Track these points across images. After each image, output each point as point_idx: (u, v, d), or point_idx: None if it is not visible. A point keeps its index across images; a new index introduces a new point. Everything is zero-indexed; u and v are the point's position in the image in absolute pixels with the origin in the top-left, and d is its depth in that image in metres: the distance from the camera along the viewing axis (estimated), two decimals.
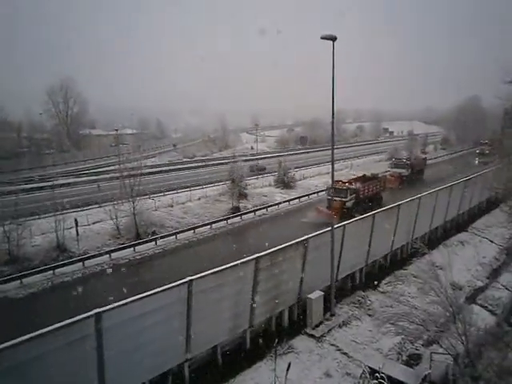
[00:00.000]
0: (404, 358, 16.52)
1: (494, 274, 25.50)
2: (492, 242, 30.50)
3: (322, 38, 16.82)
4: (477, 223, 34.52)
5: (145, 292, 12.20)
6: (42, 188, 45.79)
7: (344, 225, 20.27)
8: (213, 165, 68.04)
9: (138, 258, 27.15)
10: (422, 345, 16.91)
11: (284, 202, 41.12)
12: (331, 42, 16.91)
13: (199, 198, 41.91)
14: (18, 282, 22.88)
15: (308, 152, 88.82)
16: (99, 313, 11.10)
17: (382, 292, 21.87)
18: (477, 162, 64.17)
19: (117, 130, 63.82)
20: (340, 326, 18.34)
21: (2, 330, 11.84)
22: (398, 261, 25.55)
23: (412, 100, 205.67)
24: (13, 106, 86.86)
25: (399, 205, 24.72)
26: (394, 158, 59.27)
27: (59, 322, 10.49)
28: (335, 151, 19.90)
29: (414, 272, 22.86)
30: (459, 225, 33.20)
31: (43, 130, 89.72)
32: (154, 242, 29.32)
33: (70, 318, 10.69)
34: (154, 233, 31.06)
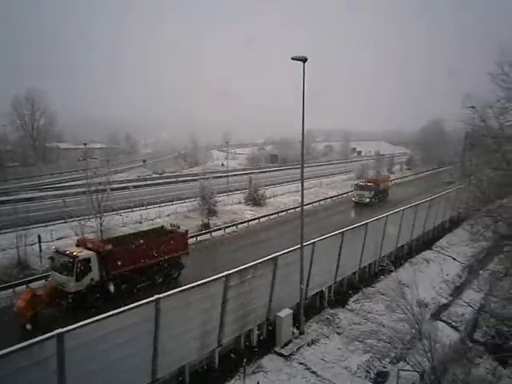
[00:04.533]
0: (372, 375, 16.65)
1: (457, 291, 26.27)
2: (455, 259, 31.48)
3: (293, 59, 17.19)
4: (441, 241, 35.58)
5: (107, 312, 11.86)
6: (3, 202, 44.01)
7: (313, 242, 20.43)
8: (183, 181, 67.47)
9: None
10: (390, 362, 17.11)
11: (253, 219, 41.10)
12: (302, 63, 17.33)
13: (169, 215, 41.34)
14: None
15: (278, 170, 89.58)
16: (61, 333, 10.69)
17: (351, 310, 22.07)
18: None
19: (85, 144, 62.65)
20: (309, 345, 18.33)
21: None
22: (366, 278, 25.91)
23: (379, 121, 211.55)
24: None
25: (367, 223, 25.19)
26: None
27: (17, 343, 10.04)
28: (305, 169, 20.17)
29: (381, 289, 23.19)
30: (424, 243, 34.11)
31: (7, 142, 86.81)
32: None
33: (28, 339, 10.26)
34: None
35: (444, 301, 24.70)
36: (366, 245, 25.02)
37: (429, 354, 13.84)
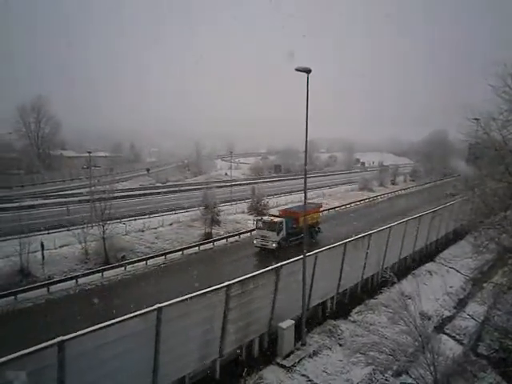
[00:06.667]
0: None
1: (461, 303, 26.05)
2: (458, 272, 31.23)
3: (297, 70, 17.33)
4: (444, 253, 35.37)
5: (110, 319, 11.83)
6: (7, 209, 44.18)
7: (316, 253, 20.38)
8: (186, 190, 67.64)
9: (105, 283, 26.36)
10: (392, 375, 16.92)
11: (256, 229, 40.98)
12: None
13: (171, 224, 41.41)
14: None
15: (282, 180, 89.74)
16: (62, 341, 10.65)
17: (353, 321, 21.90)
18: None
19: (90, 153, 62.55)
20: (311, 356, 18.18)
21: None
22: (368, 290, 25.75)
23: (382, 132, 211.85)
24: None
25: (370, 234, 25.13)
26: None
27: (17, 351, 10.00)
28: (308, 180, 20.22)
29: (384, 301, 22.99)
30: (427, 255, 33.92)
31: (12, 149, 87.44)
32: (123, 268, 28.60)
33: (28, 347, 10.21)
34: (123, 258, 30.36)
35: (447, 313, 24.49)
36: (369, 256, 24.94)
37: (432, 368, 13.70)
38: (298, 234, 34.47)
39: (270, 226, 33.86)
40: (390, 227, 27.36)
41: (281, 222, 34.28)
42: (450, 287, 27.51)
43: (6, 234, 31.76)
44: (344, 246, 22.57)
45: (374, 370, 17.01)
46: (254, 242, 34.41)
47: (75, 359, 10.92)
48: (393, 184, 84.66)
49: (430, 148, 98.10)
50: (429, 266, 31.95)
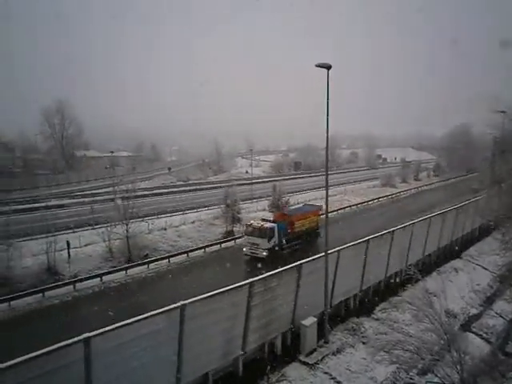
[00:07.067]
0: None
1: (488, 301, 25.46)
2: (486, 269, 30.53)
3: (317, 66, 17.20)
4: (470, 250, 34.61)
5: (134, 317, 12.01)
6: (34, 209, 45.36)
7: (338, 250, 20.23)
8: (207, 188, 68.03)
9: (129, 281, 26.77)
10: (417, 374, 16.68)
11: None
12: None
13: (193, 222, 41.69)
14: (6, 304, 22.40)
15: (302, 177, 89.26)
16: (88, 337, 10.86)
17: (377, 319, 21.67)
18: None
19: (112, 152, 63.95)
20: (334, 354, 18.08)
21: None
22: (392, 287, 25.44)
23: (404, 127, 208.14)
24: (7, 125, 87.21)
25: (393, 231, 24.79)
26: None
27: (41, 346, 10.25)
28: (329, 177, 20.08)
29: (408, 299, 22.64)
30: (453, 252, 33.25)
31: (38, 150, 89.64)
32: (146, 266, 28.98)
33: (56, 342, 10.47)
34: (146, 256, 30.75)
35: (474, 311, 23.97)
36: (392, 253, 24.61)
37: (458, 367, 13.42)
38: (294, 239, 32.52)
39: (260, 232, 30.37)
40: (413, 224, 26.94)
41: (272, 228, 30.85)
42: (477, 285, 26.92)
43: (34, 233, 32.54)
44: (367, 242, 22.33)
45: (398, 368, 16.81)
46: (244, 249, 31.03)
47: (101, 355, 11.14)
48: (416, 180, 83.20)
49: (453, 142, 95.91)
50: (454, 262, 31.33)
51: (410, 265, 26.75)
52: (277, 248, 30.89)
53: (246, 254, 30.76)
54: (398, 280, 26.25)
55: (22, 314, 21.80)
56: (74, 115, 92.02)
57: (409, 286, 24.59)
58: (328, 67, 17.16)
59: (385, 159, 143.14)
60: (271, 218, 33.88)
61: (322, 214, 38.48)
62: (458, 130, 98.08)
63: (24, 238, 31.13)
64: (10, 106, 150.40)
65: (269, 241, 30.29)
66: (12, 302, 22.57)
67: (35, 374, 10.07)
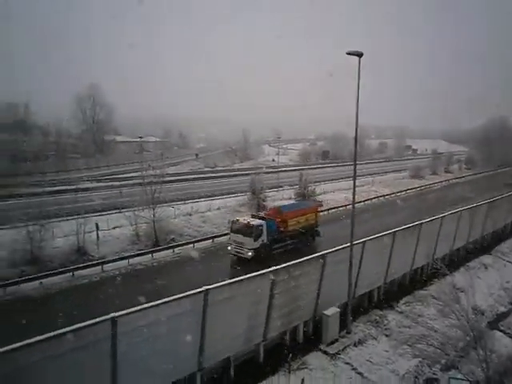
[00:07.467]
0: (421, 382, 16.08)
1: None
2: None
3: (348, 53, 16.84)
4: (501, 246, 33.61)
5: (158, 300, 12.29)
6: (65, 191, 46.70)
7: (364, 241, 20.02)
8: (234, 175, 68.26)
9: (155, 264, 27.30)
10: (440, 369, 16.44)
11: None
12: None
13: (219, 208, 42.00)
14: (38, 282, 23.26)
15: (330, 166, 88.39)
16: (115, 317, 11.19)
17: (400, 312, 21.42)
18: None
19: (141, 137, 64.73)
20: (355, 345, 18.01)
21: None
22: (417, 281, 25.05)
23: (435, 119, 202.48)
24: (41, 110, 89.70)
25: (421, 223, 24.31)
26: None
27: (71, 324, 10.65)
28: (357, 167, 19.81)
29: (434, 293, 22.36)
30: (483, 247, 32.36)
31: (70, 135, 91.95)
32: (171, 250, 29.48)
33: (82, 320, 10.85)
34: (172, 240, 31.25)
35: (503, 309, 23.35)
36: (419, 246, 24.15)
37: (483, 364, 13.17)
38: (287, 239, 29.32)
39: (246, 230, 27.14)
40: (442, 217, 26.31)
41: (259, 225, 27.44)
42: (507, 282, 26.13)
43: (65, 215, 33.54)
44: (393, 234, 22.00)
45: (420, 362, 16.63)
46: (229, 248, 27.97)
47: (126, 334, 11.48)
48: (446, 172, 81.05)
49: (488, 135, 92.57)
50: (484, 258, 30.48)
51: (436, 259, 26.25)
52: (264, 249, 27.38)
53: (231, 254, 27.88)
54: (424, 274, 25.82)
55: (53, 292, 22.60)
56: (104, 101, 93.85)
57: (435, 280, 24.16)
58: (359, 55, 16.78)
59: (415, 150, 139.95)
60: (262, 215, 31.04)
61: (322, 211, 37.96)
62: (494, 122, 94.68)
63: (56, 219, 32.09)
64: (45, 92, 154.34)
65: (255, 240, 26.89)
66: (43, 280, 23.42)
67: (66, 348, 10.50)
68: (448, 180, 71.28)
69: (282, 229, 29.01)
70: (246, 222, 27.80)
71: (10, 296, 21.71)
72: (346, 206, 35.91)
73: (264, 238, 27.55)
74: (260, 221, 28.14)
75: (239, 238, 27.31)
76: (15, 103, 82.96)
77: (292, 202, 41.15)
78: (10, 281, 22.71)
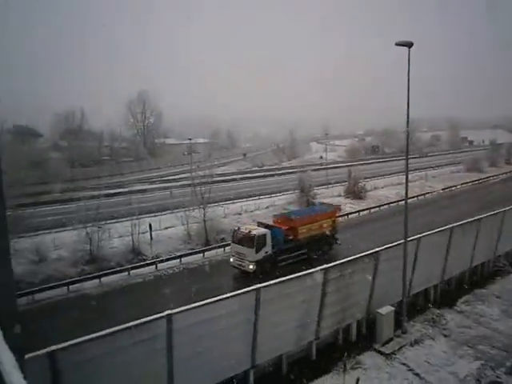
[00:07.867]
0: None
1: None
2: None
3: (397, 44, 16.32)
4: None
5: (212, 297, 12.53)
6: (119, 194, 48.74)
7: (419, 237, 19.33)
8: (281, 174, 68.20)
9: (206, 263, 27.82)
10: (505, 373, 15.52)
11: (353, 212, 40.13)
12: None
13: (267, 207, 42.11)
14: (97, 280, 24.44)
15: (379, 162, 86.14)
16: (170, 314, 11.53)
17: (459, 311, 20.44)
18: None
19: (190, 139, 66.15)
20: (411, 345, 17.40)
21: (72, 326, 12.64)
22: (477, 279, 23.80)
23: (491, 106, 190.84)
24: (95, 116, 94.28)
25: (480, 218, 23.09)
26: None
27: (129, 320, 11.08)
28: (409, 161, 19.14)
29: (496, 292, 21.21)
30: None
31: (122, 139, 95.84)
32: (222, 249, 29.91)
33: (141, 316, 11.26)
34: (222, 239, 31.71)
35: None
36: (479, 242, 22.92)
37: None
38: (297, 249, 26.46)
39: (247, 240, 24.63)
40: (504, 211, 24.82)
41: (262, 235, 24.88)
42: None
43: (120, 217, 34.99)
44: (450, 230, 21.05)
45: (483, 365, 15.77)
46: (231, 260, 25.74)
47: (181, 331, 11.78)
48: (508, 164, 76.48)
49: None
50: None
51: (499, 256, 24.88)
52: (268, 261, 24.85)
53: (233, 266, 25.56)
54: (485, 272, 24.49)
55: (111, 289, 23.67)
56: (154, 105, 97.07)
57: (498, 278, 22.91)
58: (409, 45, 16.21)
59: (471, 142, 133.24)
60: (270, 222, 27.78)
61: (341, 216, 35.18)
62: None
63: (112, 221, 33.60)
64: (97, 99, 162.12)
65: (257, 251, 24.33)
66: (102, 279, 24.59)
67: (124, 344, 10.96)
68: (509, 172, 67.11)
69: (291, 237, 26.54)
70: (247, 231, 25.21)
71: (72, 294, 23.00)
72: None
73: (268, 248, 25.06)
74: (264, 230, 25.71)
75: (240, 248, 24.96)
76: (72, 111, 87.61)
77: (302, 207, 37.68)
78: (72, 279, 24.12)
